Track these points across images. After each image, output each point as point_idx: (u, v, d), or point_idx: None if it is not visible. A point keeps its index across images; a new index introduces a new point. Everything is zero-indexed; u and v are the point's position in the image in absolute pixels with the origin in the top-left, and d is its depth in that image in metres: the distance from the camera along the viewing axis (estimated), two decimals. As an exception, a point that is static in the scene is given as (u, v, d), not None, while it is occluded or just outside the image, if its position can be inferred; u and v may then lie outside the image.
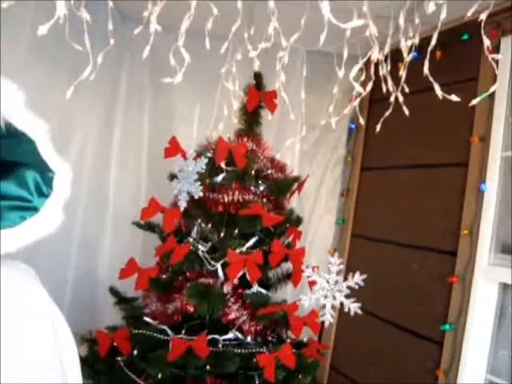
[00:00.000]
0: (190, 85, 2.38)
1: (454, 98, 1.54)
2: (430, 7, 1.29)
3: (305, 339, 2.11)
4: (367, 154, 2.76)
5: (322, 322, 2.26)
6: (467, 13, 1.51)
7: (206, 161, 1.85)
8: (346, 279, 1.55)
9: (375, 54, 1.63)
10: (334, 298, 1.57)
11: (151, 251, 2.11)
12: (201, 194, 1.84)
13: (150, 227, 2.14)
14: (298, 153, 2.69)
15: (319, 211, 2.90)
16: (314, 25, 1.61)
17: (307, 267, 1.62)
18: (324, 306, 1.59)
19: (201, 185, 1.83)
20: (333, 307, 1.59)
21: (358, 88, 1.63)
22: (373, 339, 2.47)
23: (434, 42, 1.58)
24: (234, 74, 2.03)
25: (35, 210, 0.69)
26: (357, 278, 1.51)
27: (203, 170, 1.81)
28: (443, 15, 1.52)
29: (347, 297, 1.55)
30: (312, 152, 2.91)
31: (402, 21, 1.58)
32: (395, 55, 1.81)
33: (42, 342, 0.68)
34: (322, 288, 1.56)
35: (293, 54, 1.96)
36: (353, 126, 2.83)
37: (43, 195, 0.70)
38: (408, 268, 2.31)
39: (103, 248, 2.63)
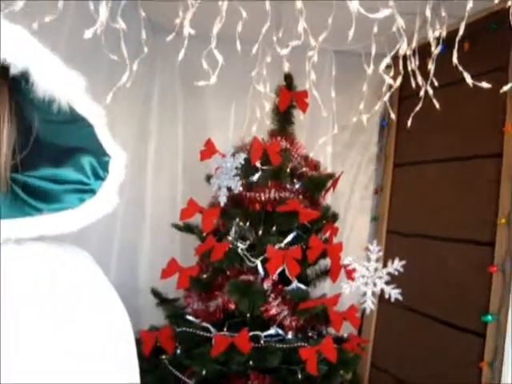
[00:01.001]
0: (222, 90, 2.45)
1: (484, 85, 1.56)
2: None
3: (345, 335, 2.13)
4: (399, 150, 2.77)
5: (362, 316, 2.27)
6: (493, 1, 1.53)
7: (244, 156, 1.89)
8: (385, 266, 1.57)
9: (403, 48, 1.66)
10: (375, 284, 1.59)
11: (189, 254, 2.17)
12: (240, 189, 1.89)
13: (188, 229, 2.19)
14: (330, 152, 2.71)
15: (354, 209, 2.92)
16: (342, 24, 1.65)
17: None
18: (365, 294, 1.61)
19: (240, 179, 1.88)
20: (373, 294, 1.61)
21: (388, 80, 1.66)
22: (413, 334, 2.46)
23: (461, 32, 1.60)
24: (265, 76, 2.08)
25: (93, 192, 0.72)
26: (396, 264, 1.53)
27: (241, 165, 1.86)
28: (470, 5, 1.54)
29: (387, 283, 1.57)
30: (344, 151, 2.94)
31: (428, 13, 1.60)
32: (422, 50, 1.84)
33: (110, 324, 0.72)
34: (362, 275, 1.58)
35: (321, 54, 1.99)
36: (384, 124, 2.85)
37: (100, 178, 0.73)
38: (446, 261, 2.31)
39: (142, 252, 2.70)
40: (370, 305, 1.61)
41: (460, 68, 1.59)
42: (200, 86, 2.65)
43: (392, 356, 2.61)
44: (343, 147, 2.93)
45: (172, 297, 2.27)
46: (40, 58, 0.60)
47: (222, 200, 1.92)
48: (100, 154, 0.73)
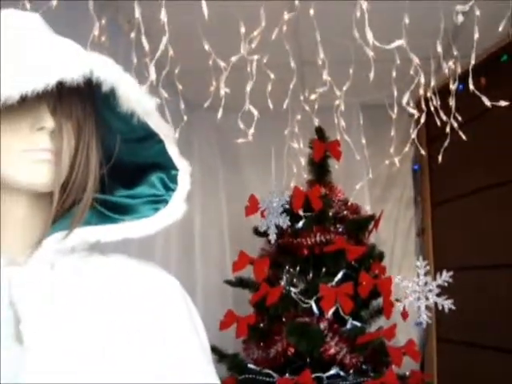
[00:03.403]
0: (258, 151, 2.63)
1: (502, 103, 1.67)
2: (459, 18, 1.46)
3: (407, 373, 2.13)
4: (435, 190, 2.84)
5: (423, 358, 2.26)
6: (499, 29, 1.67)
7: (289, 194, 2.02)
8: (434, 279, 1.63)
9: (422, 82, 1.79)
10: (427, 298, 1.64)
11: (241, 311, 2.24)
12: (288, 223, 1.99)
13: (240, 283, 2.28)
14: (368, 199, 2.80)
15: (398, 256, 2.96)
16: (363, 75, 1.81)
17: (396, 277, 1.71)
18: (419, 308, 1.66)
19: (286, 215, 1.99)
20: (427, 307, 1.65)
21: (412, 111, 1.78)
22: (478, 369, 2.42)
23: (473, 61, 1.73)
24: (297, 133, 2.24)
25: (166, 202, 0.84)
26: (444, 276, 1.59)
27: (287, 202, 1.98)
28: (476, 35, 1.68)
29: (438, 295, 1.62)
30: (381, 203, 3.01)
31: (439, 48, 1.74)
32: (443, 91, 1.96)
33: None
34: (414, 291, 1.64)
35: (348, 108, 2.12)
36: (416, 167, 2.96)
37: (170, 190, 0.85)
38: (498, 288, 2.31)
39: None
40: (425, 318, 1.65)
41: (477, 92, 1.71)
42: (237, 151, 2.86)
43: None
44: (379, 199, 3.01)
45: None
46: (124, 77, 0.72)
47: (273, 238, 2.02)
48: (169, 168, 0.83)
